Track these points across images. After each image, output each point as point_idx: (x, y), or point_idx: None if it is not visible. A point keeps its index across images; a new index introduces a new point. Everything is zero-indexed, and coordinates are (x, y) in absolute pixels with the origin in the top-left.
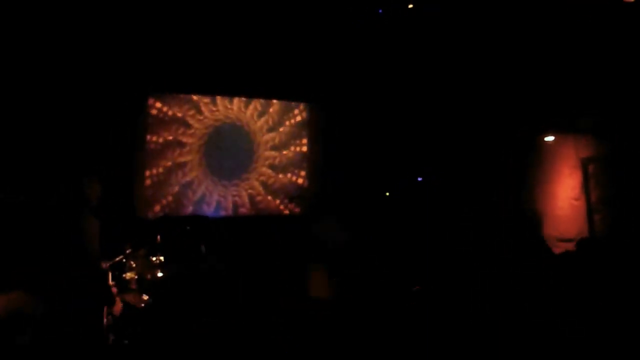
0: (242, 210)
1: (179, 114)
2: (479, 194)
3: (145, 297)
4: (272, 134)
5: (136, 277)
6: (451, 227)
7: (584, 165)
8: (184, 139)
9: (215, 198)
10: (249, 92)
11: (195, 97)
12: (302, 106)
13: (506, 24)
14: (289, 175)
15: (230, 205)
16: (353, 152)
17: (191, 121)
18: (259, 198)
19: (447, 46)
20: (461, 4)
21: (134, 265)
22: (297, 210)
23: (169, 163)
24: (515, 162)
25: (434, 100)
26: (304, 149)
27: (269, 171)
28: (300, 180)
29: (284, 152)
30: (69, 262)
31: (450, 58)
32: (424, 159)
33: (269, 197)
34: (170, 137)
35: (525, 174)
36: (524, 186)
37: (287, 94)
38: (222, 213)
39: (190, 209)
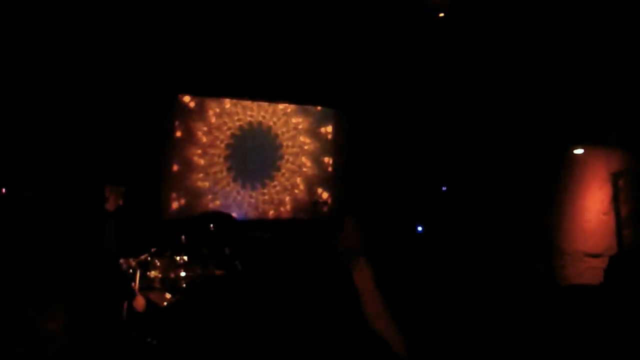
0: (268, 215)
1: (202, 115)
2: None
3: (169, 296)
4: (300, 139)
5: (160, 276)
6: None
7: (614, 179)
8: (211, 142)
9: (239, 201)
10: (274, 96)
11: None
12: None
13: (535, 35)
14: (313, 183)
15: (254, 209)
16: (376, 159)
17: (218, 123)
18: (284, 201)
19: (472, 56)
20: (488, 14)
21: (158, 264)
22: (322, 213)
23: (195, 165)
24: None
25: (456, 112)
26: (329, 158)
27: (295, 177)
28: (324, 191)
29: (310, 159)
30: (88, 260)
31: (476, 69)
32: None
33: (294, 201)
34: (197, 139)
35: (553, 188)
36: (551, 200)
37: (314, 99)
38: (246, 216)
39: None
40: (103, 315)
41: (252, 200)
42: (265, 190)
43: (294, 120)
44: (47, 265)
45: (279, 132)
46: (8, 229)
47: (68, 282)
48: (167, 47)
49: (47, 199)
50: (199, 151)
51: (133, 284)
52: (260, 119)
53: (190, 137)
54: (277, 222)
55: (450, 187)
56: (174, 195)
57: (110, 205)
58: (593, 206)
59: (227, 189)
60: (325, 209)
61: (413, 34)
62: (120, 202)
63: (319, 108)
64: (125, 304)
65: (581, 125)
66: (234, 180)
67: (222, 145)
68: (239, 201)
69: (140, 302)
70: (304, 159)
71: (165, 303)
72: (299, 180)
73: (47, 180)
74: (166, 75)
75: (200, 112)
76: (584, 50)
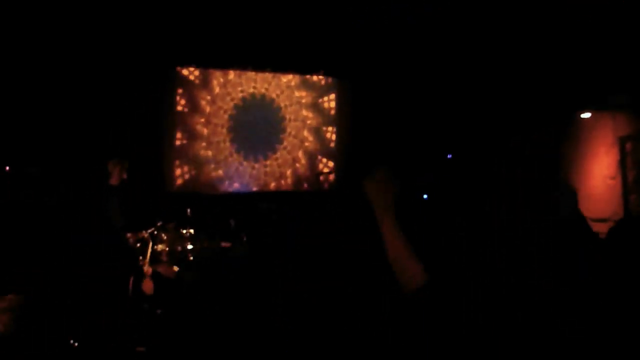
0: (272, 186)
1: (205, 87)
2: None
3: (176, 269)
4: (302, 113)
5: (167, 249)
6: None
7: (621, 143)
8: (213, 114)
9: (241, 172)
10: (278, 66)
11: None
12: (332, 84)
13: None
14: (317, 153)
15: (256, 181)
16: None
17: (222, 94)
18: (285, 174)
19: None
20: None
21: (164, 237)
22: (325, 186)
23: (198, 139)
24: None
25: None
26: (333, 131)
27: (297, 151)
28: (328, 160)
29: (312, 133)
30: (97, 232)
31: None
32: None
33: (296, 174)
34: (199, 113)
35: (560, 152)
36: (560, 164)
37: (317, 68)
38: (251, 188)
39: (219, 184)
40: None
41: (254, 172)
42: (268, 162)
43: (297, 93)
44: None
45: (282, 105)
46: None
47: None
48: (167, 19)
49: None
50: (202, 120)
51: (141, 259)
52: (264, 91)
53: (193, 107)
54: (279, 194)
55: (456, 154)
56: (177, 164)
57: (114, 180)
58: (599, 171)
59: (230, 159)
60: (328, 180)
61: (416, 20)
62: (125, 176)
63: (322, 81)
64: (131, 282)
65: (587, 89)
66: (237, 151)
67: (226, 116)
68: (241, 172)
69: (148, 285)
70: (306, 133)
71: (173, 276)
72: (300, 153)
73: (51, 155)
74: (166, 48)
75: (203, 82)
76: (589, 16)
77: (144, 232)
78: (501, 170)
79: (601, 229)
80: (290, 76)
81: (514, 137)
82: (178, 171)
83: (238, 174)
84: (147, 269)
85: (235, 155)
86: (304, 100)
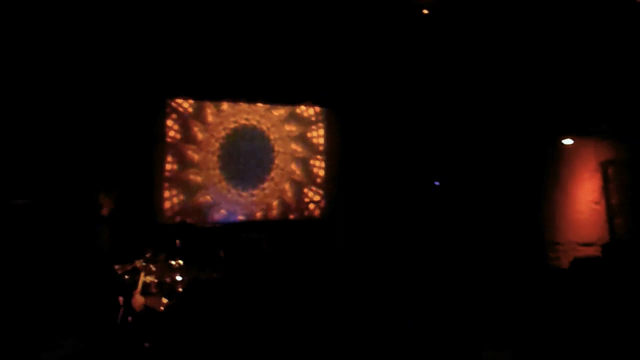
0: (258, 216)
1: (198, 117)
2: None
3: (165, 301)
4: (291, 146)
5: (156, 280)
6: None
7: (604, 168)
8: (204, 143)
9: (230, 199)
10: (266, 98)
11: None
12: (320, 116)
13: (525, 28)
14: (304, 185)
15: (243, 209)
16: (369, 159)
17: (211, 127)
18: (276, 203)
19: (463, 49)
20: (480, 8)
21: (153, 269)
22: (315, 214)
23: (188, 169)
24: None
25: (449, 105)
26: (322, 159)
27: (285, 182)
28: (317, 189)
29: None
30: (86, 264)
31: (467, 62)
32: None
33: (283, 205)
34: (189, 144)
35: (544, 180)
36: (541, 191)
37: (305, 99)
38: (239, 219)
39: (208, 215)
40: (99, 318)
41: (242, 200)
42: (255, 192)
43: (287, 127)
44: (42, 271)
45: (272, 137)
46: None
47: (63, 287)
48: (160, 51)
49: (40, 205)
50: (194, 147)
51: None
52: (255, 123)
53: (185, 135)
54: (266, 223)
55: (443, 183)
56: (167, 190)
57: (105, 211)
58: (584, 196)
59: (219, 186)
60: (317, 211)
61: (403, 32)
62: (113, 207)
63: (312, 116)
64: (122, 309)
65: (570, 116)
66: (226, 179)
67: (217, 144)
68: (229, 199)
69: (138, 301)
70: (293, 166)
71: (162, 308)
72: (287, 186)
73: (40, 186)
74: (159, 79)
75: (197, 111)
76: (571, 43)
77: (135, 262)
78: (493, 167)
79: (588, 252)
80: (281, 110)
81: (505, 133)
82: (167, 195)
83: (226, 202)
84: (138, 299)
85: (224, 183)
86: (293, 134)
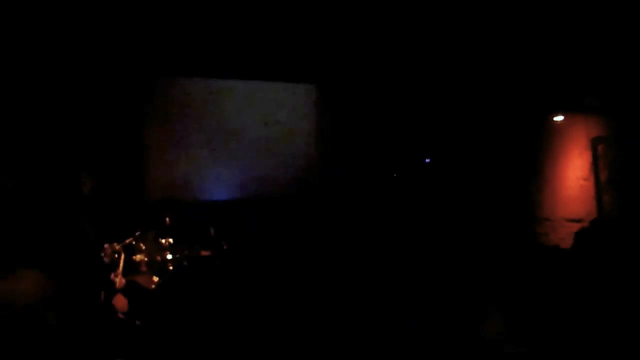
0: (248, 192)
1: (186, 94)
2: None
3: (156, 279)
4: (282, 121)
5: (146, 259)
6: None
7: (594, 145)
8: (191, 122)
9: (221, 179)
10: (253, 74)
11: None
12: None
13: (513, 3)
14: (294, 158)
15: (235, 187)
16: (358, 137)
17: (198, 102)
18: (264, 179)
19: (455, 28)
20: None
21: (143, 247)
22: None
23: (176, 146)
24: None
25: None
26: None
27: (277, 158)
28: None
29: (289, 135)
30: (66, 246)
31: (458, 39)
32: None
33: (274, 179)
34: (177, 120)
35: (534, 156)
36: (533, 168)
37: (293, 76)
38: (229, 195)
39: (197, 192)
40: (87, 304)
41: (233, 178)
42: (247, 169)
43: (278, 102)
44: (25, 256)
45: (263, 113)
46: None
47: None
48: (146, 27)
49: (22, 188)
50: (181, 126)
51: (113, 274)
52: (245, 99)
53: (173, 114)
54: (259, 199)
55: (434, 159)
56: (155, 170)
57: (85, 189)
58: (573, 173)
59: (209, 164)
60: (309, 184)
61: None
62: (95, 185)
63: (302, 91)
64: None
65: (560, 92)
66: (215, 157)
67: (205, 122)
68: (220, 178)
69: (121, 302)
70: (285, 140)
71: (153, 286)
72: (279, 160)
73: (27, 168)
74: (147, 58)
75: (185, 89)
76: (561, 18)
77: (116, 244)
78: (483, 142)
79: (576, 229)
80: (272, 86)
81: (495, 108)
82: (156, 177)
83: (217, 180)
84: (120, 280)
85: (213, 162)
86: (284, 110)
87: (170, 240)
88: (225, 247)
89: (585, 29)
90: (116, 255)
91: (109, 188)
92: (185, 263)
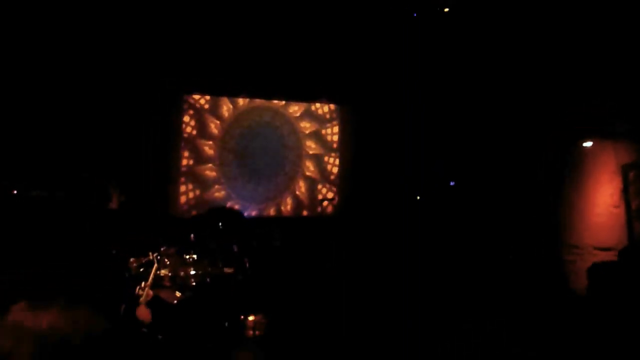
0: (271, 212)
1: (214, 112)
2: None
3: (179, 294)
4: (305, 142)
5: (170, 274)
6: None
7: (624, 171)
8: (220, 138)
9: (244, 196)
10: (282, 95)
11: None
12: (334, 113)
13: (543, 28)
14: (317, 181)
15: (258, 205)
16: (382, 157)
17: (227, 120)
18: (286, 201)
19: (481, 48)
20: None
21: (168, 262)
22: (328, 211)
23: (203, 164)
24: (551, 170)
25: (467, 104)
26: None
27: (298, 179)
28: (331, 186)
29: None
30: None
31: (485, 60)
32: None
33: (297, 201)
34: (205, 137)
35: (562, 182)
36: (561, 194)
37: (319, 96)
38: (252, 214)
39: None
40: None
41: (256, 196)
42: (270, 188)
43: (301, 124)
44: (50, 266)
45: (286, 134)
46: (14, 228)
47: (71, 282)
48: (176, 46)
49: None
50: (210, 143)
51: (139, 287)
52: (270, 119)
53: (201, 130)
54: (279, 219)
55: (459, 182)
56: (182, 188)
57: (114, 204)
58: (603, 200)
59: (234, 182)
60: (330, 208)
61: (418, 30)
62: (123, 199)
63: (326, 113)
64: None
65: (589, 117)
66: (241, 175)
67: (232, 141)
68: (243, 195)
69: (143, 313)
70: (307, 163)
71: (175, 301)
72: (301, 183)
73: (55, 178)
74: (175, 75)
75: (213, 107)
76: (590, 42)
77: (149, 255)
78: (512, 167)
79: (606, 257)
80: (296, 107)
81: (524, 134)
82: (183, 190)
83: (240, 197)
84: (148, 293)
85: (238, 179)
86: (307, 131)
87: (194, 256)
88: (247, 265)
89: (617, 55)
90: (141, 270)
91: (136, 202)
92: (208, 280)
